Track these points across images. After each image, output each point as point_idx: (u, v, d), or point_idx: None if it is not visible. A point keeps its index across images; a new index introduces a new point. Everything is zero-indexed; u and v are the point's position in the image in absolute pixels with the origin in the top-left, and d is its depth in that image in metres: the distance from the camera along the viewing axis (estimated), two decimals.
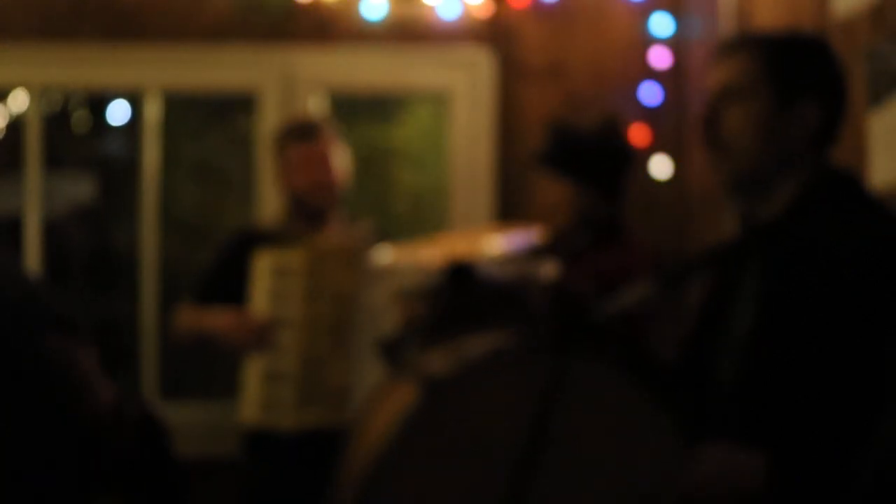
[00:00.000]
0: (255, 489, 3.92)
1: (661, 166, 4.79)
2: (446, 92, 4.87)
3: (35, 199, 4.85)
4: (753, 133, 2.36)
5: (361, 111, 5.30)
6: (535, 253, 3.23)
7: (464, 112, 4.83)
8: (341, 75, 4.84)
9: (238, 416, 3.88)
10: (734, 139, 2.37)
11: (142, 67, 4.81)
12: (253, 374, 3.82)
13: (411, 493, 2.11)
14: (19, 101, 5.15)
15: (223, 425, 4.44)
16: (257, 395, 3.80)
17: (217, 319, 3.87)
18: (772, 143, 2.36)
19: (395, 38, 4.80)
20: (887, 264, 2.24)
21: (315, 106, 4.79)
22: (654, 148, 4.78)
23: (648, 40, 4.82)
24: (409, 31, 4.80)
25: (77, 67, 4.82)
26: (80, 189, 5.97)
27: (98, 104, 5.90)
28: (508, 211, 4.73)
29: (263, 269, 3.82)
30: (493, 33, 4.83)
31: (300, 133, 4.03)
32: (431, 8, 4.79)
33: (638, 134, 4.72)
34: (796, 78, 2.37)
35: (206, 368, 5.38)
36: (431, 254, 2.94)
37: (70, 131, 6.13)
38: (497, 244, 3.14)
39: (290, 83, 4.80)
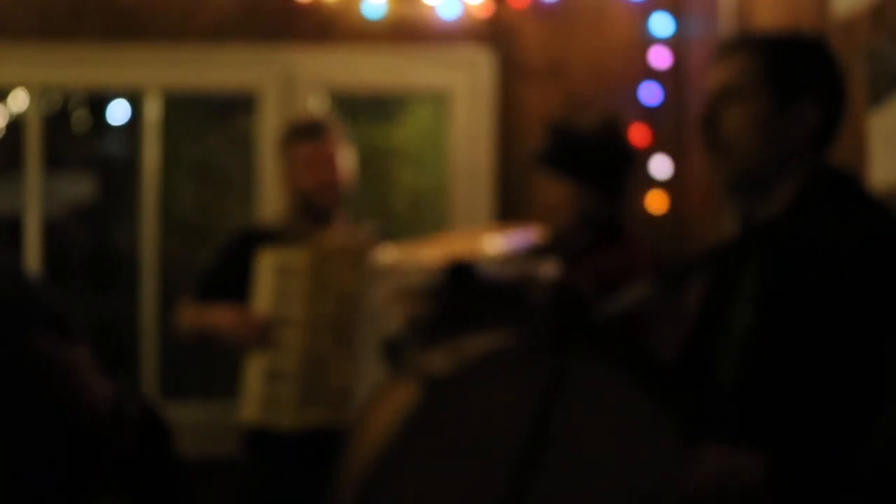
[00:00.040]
0: (255, 489, 3.92)
1: (661, 166, 4.79)
2: (446, 92, 4.87)
3: (35, 198, 4.85)
4: (753, 133, 2.36)
5: (361, 111, 5.30)
6: (536, 253, 3.23)
7: (464, 112, 4.83)
8: (341, 75, 4.84)
9: (238, 414, 3.89)
10: (734, 139, 2.37)
11: (142, 67, 4.81)
12: (254, 372, 3.82)
13: (411, 493, 2.12)
14: (19, 100, 5.16)
15: (223, 425, 4.44)
16: (258, 394, 3.80)
17: (219, 316, 3.87)
18: (771, 143, 2.36)
19: (395, 38, 4.80)
20: (887, 264, 2.24)
21: (315, 106, 4.79)
22: (654, 148, 4.78)
23: (648, 40, 4.82)
24: (409, 31, 4.80)
25: (77, 67, 4.82)
26: (80, 189, 5.97)
27: (98, 104, 5.90)
28: (508, 211, 4.73)
29: (267, 267, 3.82)
30: (493, 33, 4.83)
31: (307, 132, 4.04)
32: (431, 8, 4.79)
33: (638, 134, 4.72)
34: (796, 78, 2.37)
35: (206, 368, 5.39)
36: (431, 254, 2.94)
37: (70, 131, 6.14)
38: (497, 244, 3.14)
39: (290, 83, 4.80)
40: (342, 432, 2.86)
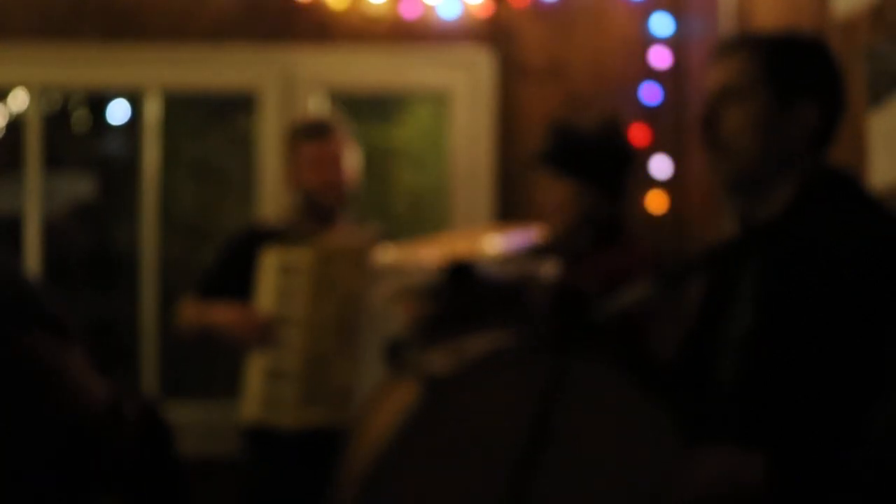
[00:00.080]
0: (255, 488, 3.92)
1: (661, 166, 4.79)
2: (446, 92, 4.87)
3: (35, 198, 4.85)
4: (752, 133, 2.36)
5: (361, 111, 5.29)
6: (536, 253, 3.23)
7: (464, 112, 4.83)
8: (341, 75, 4.84)
9: (239, 413, 3.89)
10: (733, 139, 2.37)
11: (142, 67, 4.81)
12: (255, 371, 3.82)
13: (411, 493, 2.12)
14: (19, 100, 5.15)
15: (223, 425, 4.44)
16: (259, 393, 3.80)
17: (222, 314, 3.88)
18: (770, 143, 2.36)
19: (395, 38, 4.80)
20: (886, 264, 2.24)
21: (315, 105, 4.79)
22: (654, 148, 4.79)
23: (648, 40, 4.82)
24: (409, 31, 4.80)
25: (77, 67, 4.82)
26: (80, 189, 5.97)
27: (98, 104, 5.90)
28: (508, 211, 4.73)
29: (270, 266, 3.82)
30: (493, 33, 4.83)
31: (313, 132, 4.04)
32: (431, 8, 4.79)
33: (638, 134, 4.72)
34: (795, 78, 2.38)
35: (206, 368, 5.38)
36: (432, 254, 2.94)
37: (70, 131, 6.13)
38: (497, 244, 3.14)
39: (290, 83, 4.80)
40: (343, 432, 2.86)
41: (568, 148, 3.56)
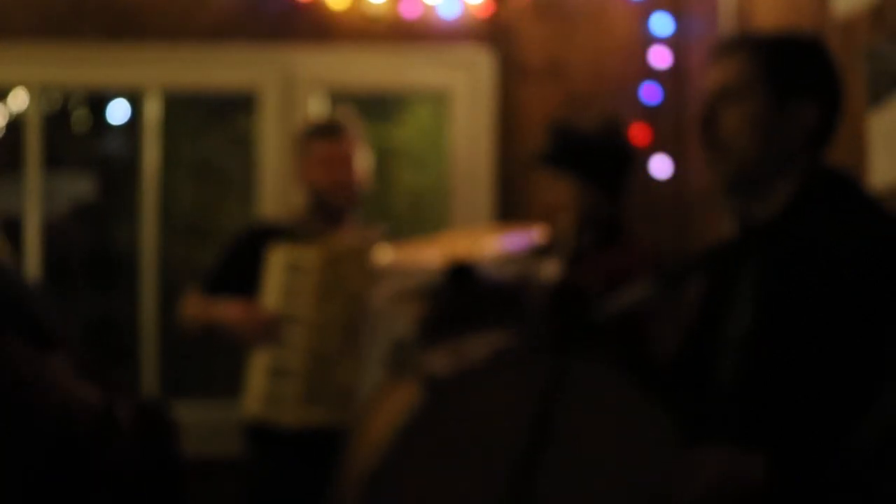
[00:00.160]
0: (255, 487, 3.92)
1: (661, 166, 4.79)
2: (446, 92, 4.87)
3: (35, 198, 4.85)
4: (751, 133, 2.36)
5: (361, 111, 5.29)
6: (537, 253, 3.23)
7: (464, 112, 4.83)
8: (341, 75, 4.85)
9: (240, 410, 3.89)
10: (731, 139, 2.38)
11: (142, 67, 4.81)
12: (258, 368, 3.82)
13: (412, 493, 2.12)
14: (19, 100, 5.15)
15: (223, 424, 4.45)
16: (261, 390, 3.80)
17: (226, 310, 3.88)
18: (769, 144, 2.36)
19: (395, 38, 4.80)
20: (886, 264, 2.24)
21: (314, 105, 4.79)
22: (654, 148, 4.79)
23: (648, 40, 4.82)
24: (409, 31, 4.80)
25: (77, 67, 4.82)
26: (80, 189, 5.96)
27: (98, 103, 5.89)
28: (508, 211, 4.73)
29: (277, 263, 3.83)
30: (493, 33, 4.83)
31: (325, 131, 4.05)
32: (431, 8, 4.79)
33: (638, 134, 4.72)
34: (793, 78, 2.38)
35: (207, 367, 5.38)
36: (432, 254, 2.94)
37: (70, 131, 6.13)
38: (497, 244, 3.14)
39: (290, 83, 4.80)
40: (343, 432, 2.86)
41: (568, 148, 3.56)
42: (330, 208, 4.01)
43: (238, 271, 3.95)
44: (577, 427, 2.14)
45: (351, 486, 2.23)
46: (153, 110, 4.88)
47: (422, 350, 2.46)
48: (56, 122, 5.78)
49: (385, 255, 3.57)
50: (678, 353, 2.58)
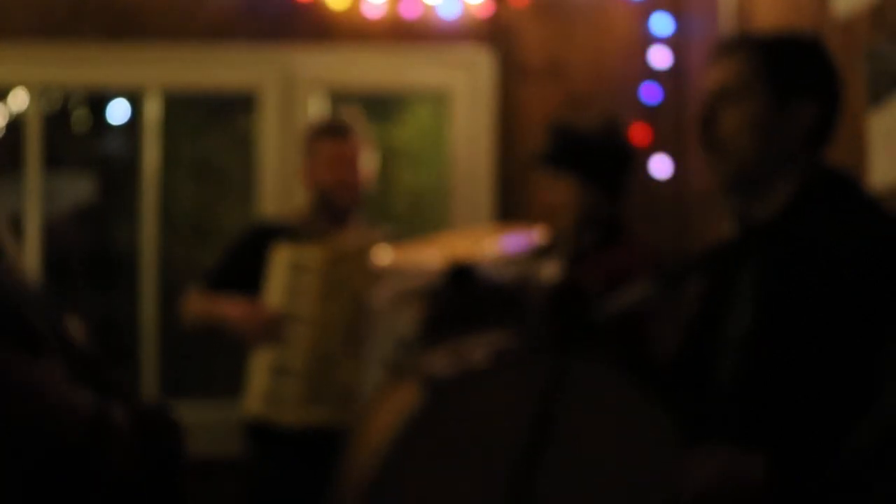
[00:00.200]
0: (256, 485, 3.93)
1: (661, 166, 4.79)
2: (446, 92, 4.87)
3: (35, 198, 4.86)
4: (750, 133, 2.37)
5: (361, 111, 5.29)
6: (537, 253, 3.23)
7: (464, 112, 4.83)
8: (341, 75, 4.85)
9: (241, 409, 3.89)
10: (731, 139, 2.38)
11: (142, 67, 4.81)
12: (260, 366, 3.83)
13: (413, 494, 2.12)
14: (19, 100, 5.15)
15: (224, 424, 4.45)
16: (262, 388, 3.81)
17: (229, 308, 3.88)
18: (768, 143, 2.37)
19: (395, 38, 4.80)
20: (886, 264, 2.24)
21: (314, 105, 4.79)
22: (654, 148, 4.79)
23: (648, 40, 4.82)
24: (409, 31, 4.80)
25: (77, 67, 4.82)
26: (80, 189, 5.96)
27: (98, 103, 5.89)
28: (508, 211, 4.73)
29: (281, 262, 3.83)
30: (493, 33, 4.83)
31: (332, 131, 4.06)
32: (431, 8, 4.79)
33: (638, 134, 4.72)
34: (792, 78, 2.38)
35: (207, 367, 5.39)
36: (432, 255, 2.94)
37: (70, 131, 6.12)
38: (497, 245, 3.14)
39: (290, 83, 4.80)
40: (344, 432, 2.86)
41: (568, 148, 3.56)
42: (334, 208, 4.02)
43: (241, 269, 3.96)
44: (577, 427, 2.14)
45: (351, 486, 2.23)
46: (153, 110, 4.88)
47: (422, 351, 2.46)
48: (56, 122, 5.78)
49: (384, 255, 3.57)
50: (678, 353, 2.58)
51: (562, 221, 3.53)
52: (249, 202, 4.94)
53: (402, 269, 3.26)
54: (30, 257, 4.81)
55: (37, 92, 4.90)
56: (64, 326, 2.32)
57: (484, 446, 2.12)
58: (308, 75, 4.81)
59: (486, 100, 4.80)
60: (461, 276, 2.59)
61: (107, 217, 5.95)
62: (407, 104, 5.69)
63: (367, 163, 4.04)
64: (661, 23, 4.81)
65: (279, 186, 4.75)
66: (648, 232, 4.35)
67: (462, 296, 2.58)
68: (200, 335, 4.10)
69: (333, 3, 4.78)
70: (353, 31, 4.79)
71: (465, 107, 4.82)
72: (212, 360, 5.30)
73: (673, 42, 4.80)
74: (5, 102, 5.29)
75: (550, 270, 2.74)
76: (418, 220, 5.53)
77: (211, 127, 5.92)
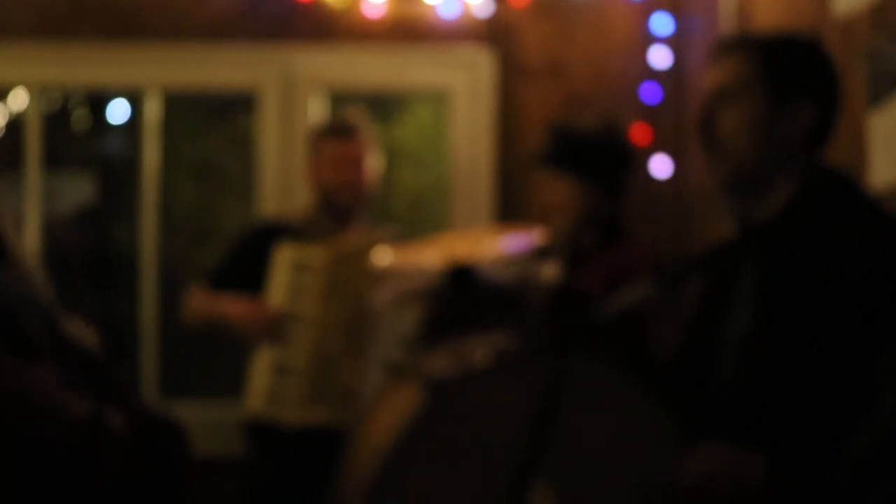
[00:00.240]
0: (256, 485, 3.93)
1: (661, 166, 4.79)
2: (446, 91, 4.87)
3: (35, 198, 4.86)
4: (749, 133, 2.37)
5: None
6: (537, 254, 3.23)
7: (464, 112, 4.83)
8: (341, 75, 4.84)
9: (243, 407, 3.89)
10: (729, 140, 2.38)
11: (142, 67, 4.81)
12: (262, 365, 3.83)
13: (413, 494, 2.12)
14: (19, 100, 5.15)
15: (223, 424, 4.44)
16: (264, 387, 3.81)
17: (232, 306, 3.89)
18: (768, 144, 2.36)
19: (395, 37, 4.80)
20: (885, 264, 2.24)
21: (314, 105, 4.79)
22: (654, 148, 4.79)
23: (648, 40, 4.82)
24: (409, 31, 4.80)
25: (77, 66, 4.82)
26: (80, 189, 5.97)
27: (98, 103, 5.89)
28: (508, 211, 4.73)
29: (284, 261, 3.83)
30: (493, 33, 4.83)
31: (337, 131, 4.06)
32: (431, 7, 4.79)
33: (638, 133, 4.72)
34: (791, 78, 2.38)
35: (207, 367, 5.38)
36: (432, 256, 2.94)
37: (70, 130, 6.12)
38: (498, 245, 3.14)
39: (290, 83, 4.80)
40: (345, 432, 2.86)
41: (568, 147, 3.56)
42: (338, 208, 4.02)
43: (244, 268, 3.96)
44: (578, 427, 2.14)
45: (352, 486, 2.24)
46: (153, 110, 4.88)
47: (422, 351, 2.47)
48: (56, 122, 5.78)
49: (385, 256, 3.57)
50: (678, 353, 2.58)
51: (562, 221, 3.53)
52: (249, 202, 4.94)
53: (403, 270, 3.26)
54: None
55: (37, 92, 4.90)
56: (63, 328, 2.32)
57: (484, 447, 2.12)
58: (308, 75, 4.81)
59: (486, 100, 4.80)
60: (461, 277, 2.59)
61: (107, 217, 5.95)
62: (407, 104, 5.69)
63: (372, 163, 4.05)
64: (661, 23, 4.81)
65: (279, 186, 4.75)
66: (648, 232, 4.35)
67: (462, 296, 2.58)
68: (201, 334, 4.10)
69: (333, 3, 4.78)
70: (353, 31, 4.79)
71: (465, 107, 4.82)
72: (212, 360, 5.30)
73: (673, 42, 4.80)
74: (5, 102, 5.29)
75: (550, 271, 2.74)
76: (418, 220, 5.53)
77: (211, 127, 5.92)
